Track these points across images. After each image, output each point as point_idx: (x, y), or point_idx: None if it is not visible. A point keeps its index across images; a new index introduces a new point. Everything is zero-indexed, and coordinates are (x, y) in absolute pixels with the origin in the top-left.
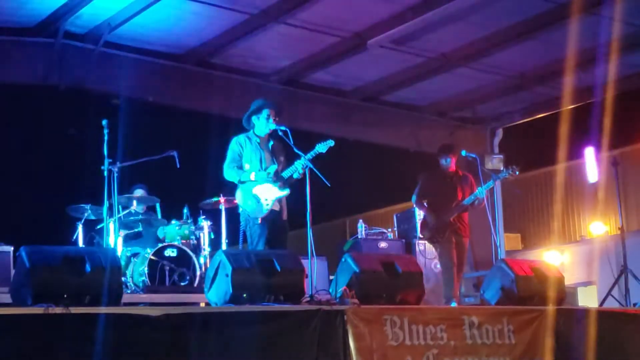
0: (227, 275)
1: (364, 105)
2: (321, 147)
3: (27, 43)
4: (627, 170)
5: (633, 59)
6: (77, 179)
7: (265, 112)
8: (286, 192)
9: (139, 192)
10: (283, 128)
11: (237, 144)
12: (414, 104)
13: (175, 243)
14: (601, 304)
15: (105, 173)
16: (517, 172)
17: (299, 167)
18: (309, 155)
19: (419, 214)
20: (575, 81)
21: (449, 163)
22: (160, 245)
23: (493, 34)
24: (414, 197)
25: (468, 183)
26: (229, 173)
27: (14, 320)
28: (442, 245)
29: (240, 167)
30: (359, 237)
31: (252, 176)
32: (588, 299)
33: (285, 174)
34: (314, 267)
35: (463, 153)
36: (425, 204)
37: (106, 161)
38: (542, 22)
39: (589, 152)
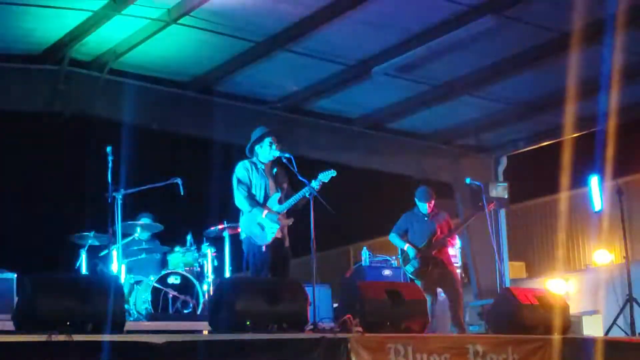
0: (230, 303)
1: (368, 133)
2: (324, 177)
3: (33, 70)
4: (631, 199)
5: (636, 88)
6: (81, 206)
7: (267, 140)
8: (290, 220)
9: (144, 220)
10: (287, 155)
11: (244, 169)
12: (419, 131)
13: (179, 270)
14: (606, 333)
15: (109, 200)
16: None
17: (304, 194)
18: (314, 184)
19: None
20: (580, 109)
21: (426, 208)
22: (163, 272)
23: (497, 63)
24: (392, 234)
25: (445, 220)
26: (242, 201)
27: (17, 347)
28: (425, 281)
29: (252, 193)
30: (363, 264)
31: (264, 214)
32: (593, 328)
33: (289, 203)
34: (317, 295)
35: (467, 181)
36: (405, 240)
37: (110, 188)
38: (545, 52)
39: (594, 181)
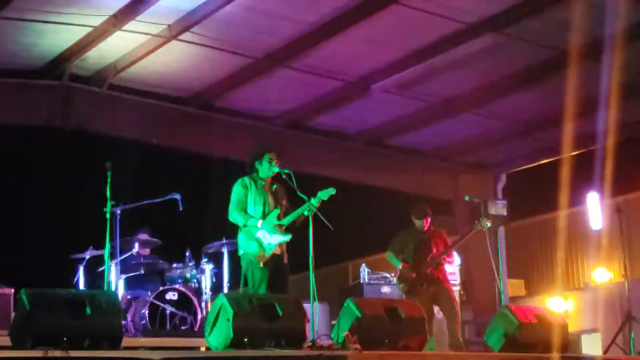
0: (228, 320)
1: (367, 149)
2: (323, 194)
3: (33, 85)
4: (630, 217)
5: (635, 106)
6: (80, 221)
7: (267, 157)
8: (288, 237)
9: (142, 235)
10: (286, 171)
11: (243, 186)
12: (418, 148)
13: (177, 286)
14: (605, 351)
15: (108, 215)
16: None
17: (304, 211)
18: (314, 201)
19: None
20: (579, 127)
21: (422, 225)
22: (161, 288)
23: (496, 81)
24: (388, 252)
25: (441, 237)
26: (235, 216)
27: None
28: (421, 299)
29: (246, 210)
30: (362, 281)
31: (259, 224)
32: (592, 346)
33: (288, 219)
34: (315, 312)
35: (466, 198)
36: (400, 258)
37: (109, 203)
38: (544, 69)
39: (593, 199)
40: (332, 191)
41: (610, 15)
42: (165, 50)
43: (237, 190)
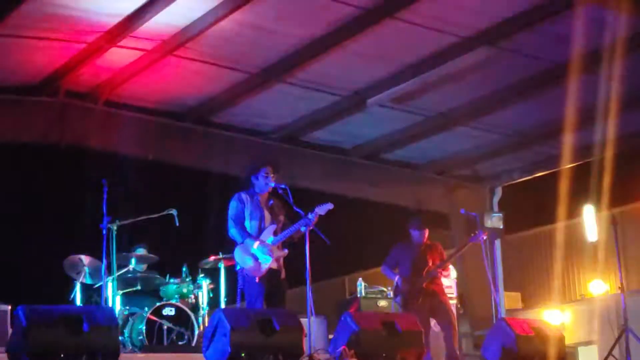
0: (225, 335)
1: (363, 164)
2: (320, 209)
3: (28, 102)
4: (626, 229)
5: (632, 118)
6: (76, 237)
7: (263, 171)
8: (284, 252)
9: (139, 251)
10: (283, 186)
11: (239, 201)
12: (414, 162)
13: (174, 302)
14: None
15: (104, 231)
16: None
17: (301, 227)
18: (311, 216)
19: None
20: (575, 140)
21: (421, 236)
22: (158, 304)
23: (492, 93)
24: (383, 266)
25: (437, 251)
26: (233, 232)
27: None
28: (417, 312)
29: (244, 225)
30: (359, 295)
31: (255, 245)
32: (589, 358)
33: (284, 235)
34: (312, 326)
35: (462, 211)
36: (396, 271)
37: (105, 219)
38: (540, 82)
39: (588, 211)
40: (329, 206)
41: (607, 27)
42: (161, 66)
43: (233, 206)
